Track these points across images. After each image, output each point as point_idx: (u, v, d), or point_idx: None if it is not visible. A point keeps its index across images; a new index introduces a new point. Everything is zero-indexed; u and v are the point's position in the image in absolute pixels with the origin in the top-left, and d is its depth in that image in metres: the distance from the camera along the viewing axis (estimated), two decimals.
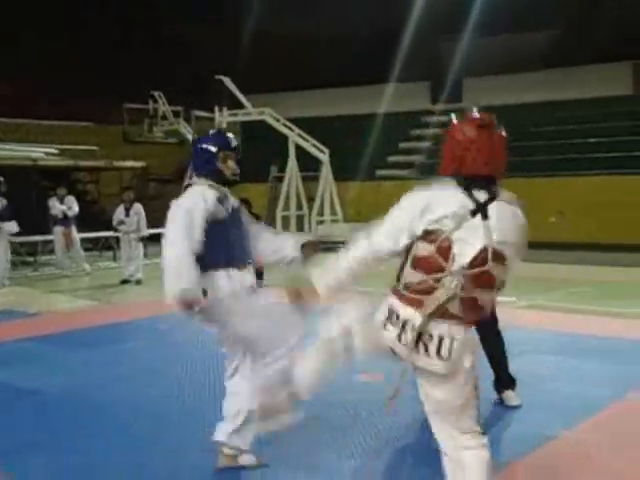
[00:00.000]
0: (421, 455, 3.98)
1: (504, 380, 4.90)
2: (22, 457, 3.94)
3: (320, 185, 18.91)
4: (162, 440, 4.23)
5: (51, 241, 13.53)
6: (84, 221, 13.45)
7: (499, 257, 2.64)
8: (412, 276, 2.69)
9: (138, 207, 11.67)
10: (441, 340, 2.63)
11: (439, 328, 2.63)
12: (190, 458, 3.92)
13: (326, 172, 18.88)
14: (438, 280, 2.62)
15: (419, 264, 2.68)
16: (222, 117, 19.98)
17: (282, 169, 19.42)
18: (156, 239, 12.21)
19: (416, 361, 2.67)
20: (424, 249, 2.66)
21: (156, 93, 20.78)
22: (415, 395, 2.83)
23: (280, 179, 19.42)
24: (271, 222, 16.89)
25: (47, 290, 11.01)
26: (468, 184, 2.70)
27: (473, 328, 2.75)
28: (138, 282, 11.41)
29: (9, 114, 18.39)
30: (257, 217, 9.98)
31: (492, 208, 2.69)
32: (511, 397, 4.86)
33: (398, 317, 2.67)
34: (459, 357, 2.65)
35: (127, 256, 11.71)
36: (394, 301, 2.71)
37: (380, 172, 20.63)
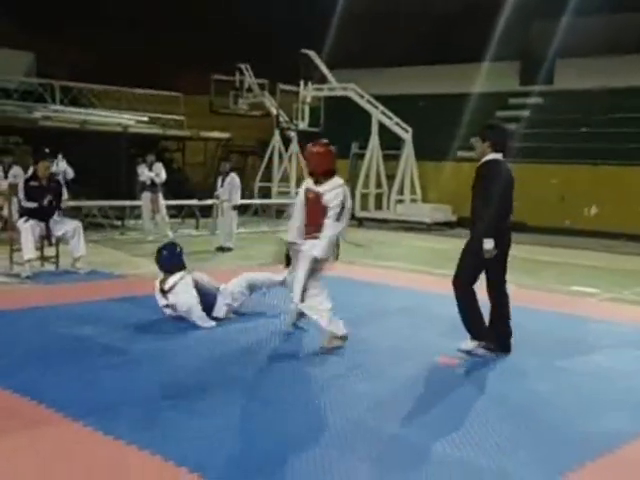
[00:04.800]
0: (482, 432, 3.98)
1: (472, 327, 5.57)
2: (111, 415, 4.13)
3: (401, 164, 18.77)
4: (247, 400, 4.38)
5: (138, 206, 14.00)
6: (169, 189, 13.84)
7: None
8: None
9: (232, 177, 11.97)
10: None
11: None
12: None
13: (408, 151, 18.70)
14: None
15: None
16: (307, 91, 20.04)
17: (363, 146, 19.36)
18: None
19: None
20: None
21: (243, 65, 21.01)
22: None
23: (361, 156, 19.37)
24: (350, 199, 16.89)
25: (132, 254, 11.41)
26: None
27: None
28: (228, 250, 11.70)
29: (103, 81, 19.00)
30: None
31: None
32: (468, 344, 5.56)
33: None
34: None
35: (220, 224, 12.08)
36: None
37: (462, 153, 20.24)
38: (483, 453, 3.76)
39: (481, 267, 5.53)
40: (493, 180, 5.46)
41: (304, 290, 5.59)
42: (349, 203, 5.70)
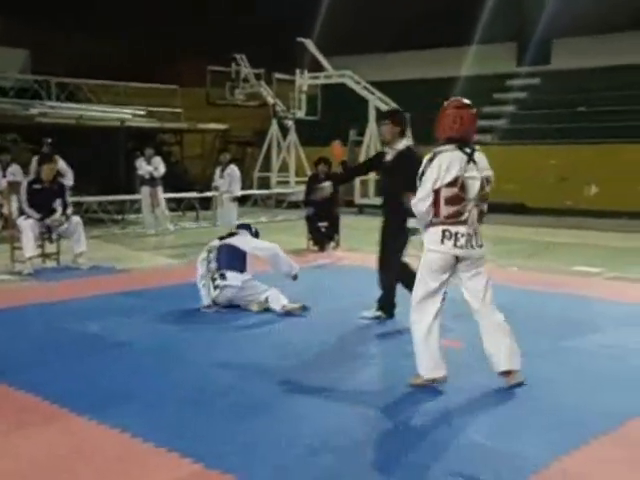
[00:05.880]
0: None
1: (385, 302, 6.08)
2: (116, 408, 4.12)
3: None
4: (244, 392, 4.39)
5: (138, 200, 14.00)
6: (168, 182, 13.84)
7: (488, 182, 4.44)
8: (447, 210, 4.31)
9: (232, 168, 11.96)
10: (477, 235, 4.39)
11: (475, 230, 4.38)
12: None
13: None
14: (465, 206, 4.34)
15: (449, 201, 4.31)
16: (303, 80, 19.97)
17: (361, 133, 19.30)
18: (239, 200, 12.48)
19: (469, 255, 4.37)
20: (450, 192, 4.30)
21: (238, 56, 20.93)
22: None
23: (359, 143, 19.31)
24: (349, 185, 16.92)
25: (133, 248, 11.42)
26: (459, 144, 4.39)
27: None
28: None
29: (101, 76, 18.93)
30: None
31: (476, 156, 4.41)
32: (375, 313, 6.09)
33: (451, 233, 4.32)
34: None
35: (220, 216, 12.07)
36: (443, 227, 4.34)
37: None
38: (485, 434, 3.76)
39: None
40: (418, 165, 5.84)
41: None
42: (446, 174, 4.30)
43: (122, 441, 3.65)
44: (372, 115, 18.73)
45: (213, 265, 6.63)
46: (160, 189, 13.20)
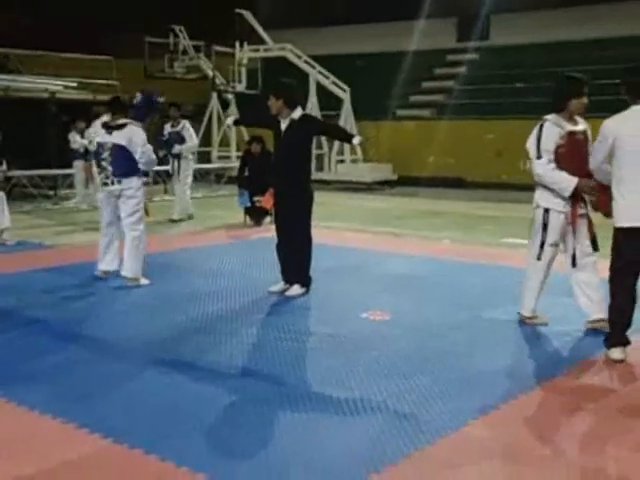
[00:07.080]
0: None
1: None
2: (28, 384, 4.04)
3: (340, 124, 18.68)
4: (159, 373, 4.35)
5: (71, 175, 13.62)
6: None
7: None
8: None
9: None
10: None
11: None
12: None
13: (346, 111, 18.62)
14: None
15: None
16: (242, 53, 19.69)
17: (302, 107, 19.16)
18: None
19: None
20: None
21: (177, 27, 20.47)
22: None
23: None
24: None
25: (64, 223, 11.15)
26: None
27: None
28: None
29: (28, 45, 18.19)
30: (269, 154, 9.98)
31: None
32: (295, 289, 6.08)
33: None
34: None
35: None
36: None
37: (401, 112, 20.29)
38: (402, 403, 3.81)
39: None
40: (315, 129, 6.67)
41: None
42: None
43: (30, 418, 3.57)
44: (313, 89, 18.62)
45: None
46: (94, 163, 12.85)
